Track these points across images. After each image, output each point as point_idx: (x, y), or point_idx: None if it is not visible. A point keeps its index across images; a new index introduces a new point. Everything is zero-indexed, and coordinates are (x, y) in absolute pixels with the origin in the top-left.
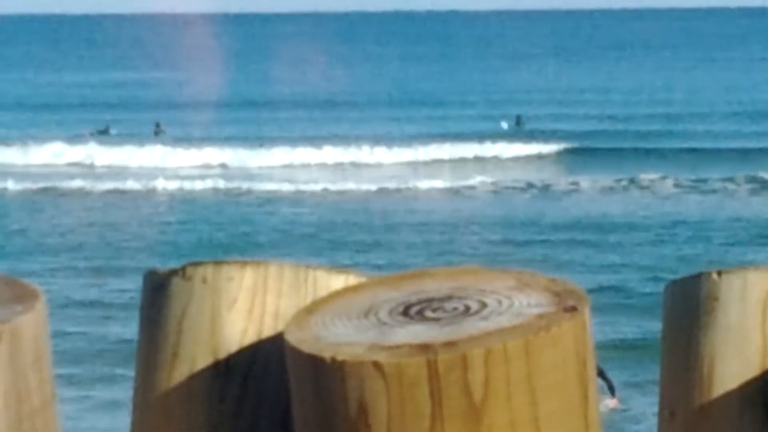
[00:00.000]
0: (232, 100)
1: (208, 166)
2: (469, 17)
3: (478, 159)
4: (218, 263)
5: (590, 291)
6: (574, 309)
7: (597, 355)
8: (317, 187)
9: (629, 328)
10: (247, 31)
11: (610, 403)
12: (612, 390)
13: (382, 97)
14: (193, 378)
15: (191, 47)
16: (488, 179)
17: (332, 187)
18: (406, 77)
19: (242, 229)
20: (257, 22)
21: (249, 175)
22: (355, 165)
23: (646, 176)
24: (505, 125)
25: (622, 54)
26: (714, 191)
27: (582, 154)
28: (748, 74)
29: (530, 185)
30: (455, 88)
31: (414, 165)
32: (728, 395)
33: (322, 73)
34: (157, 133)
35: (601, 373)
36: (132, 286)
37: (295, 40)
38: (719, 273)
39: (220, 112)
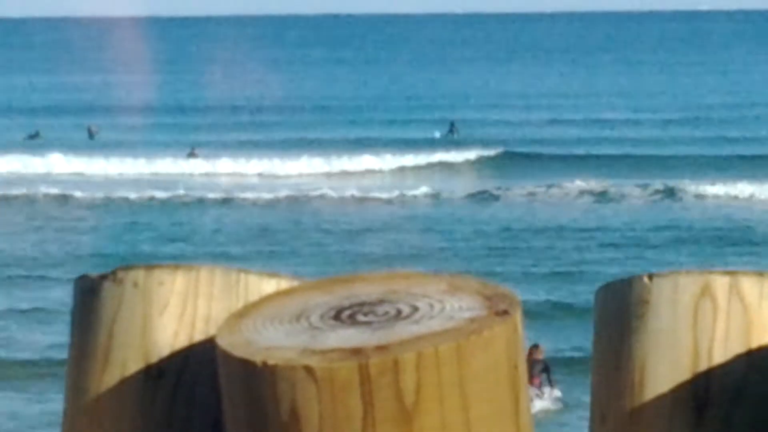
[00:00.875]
0: (156, 104)
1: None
2: (399, 21)
3: (408, 167)
4: (150, 267)
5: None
6: (505, 313)
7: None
8: (244, 195)
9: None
10: (174, 35)
11: (554, 392)
12: (550, 382)
13: (309, 104)
14: (124, 382)
15: (119, 51)
16: (417, 187)
17: (267, 195)
18: (336, 82)
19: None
20: (186, 25)
21: (174, 182)
22: (272, 175)
23: (571, 183)
24: (437, 134)
25: (554, 58)
26: (637, 197)
27: (512, 160)
28: (685, 78)
29: (457, 193)
30: (386, 93)
31: (343, 174)
32: (659, 398)
33: (251, 78)
34: (91, 137)
35: (546, 368)
36: None
37: (222, 44)
38: (650, 276)
39: (148, 116)
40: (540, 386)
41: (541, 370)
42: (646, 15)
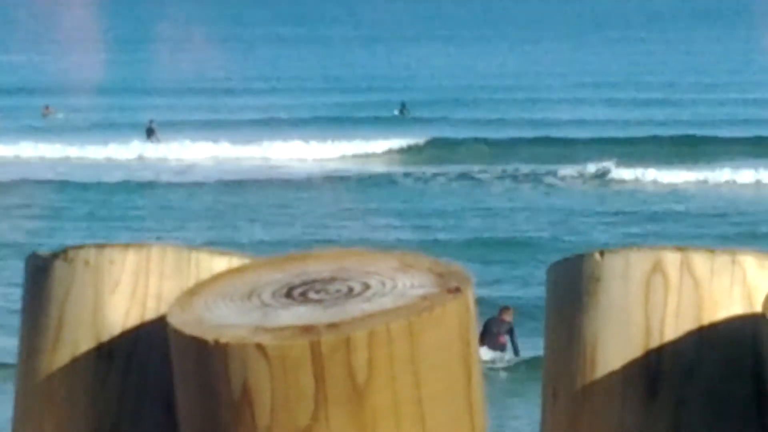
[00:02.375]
0: (107, 85)
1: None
2: None
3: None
4: (100, 246)
5: None
6: (457, 290)
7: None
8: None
9: None
10: (120, 12)
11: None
12: (517, 352)
13: (258, 83)
14: (76, 361)
15: (66, 29)
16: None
17: (228, 176)
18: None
19: None
20: (131, 3)
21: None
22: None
23: (500, 167)
24: (396, 112)
25: (496, 35)
26: (561, 180)
27: (452, 144)
28: (631, 56)
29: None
30: (334, 72)
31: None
32: (611, 375)
33: (201, 56)
34: (45, 116)
35: (511, 330)
36: None
37: (167, 22)
38: (601, 253)
39: (99, 96)
40: (504, 346)
41: (507, 330)
42: None
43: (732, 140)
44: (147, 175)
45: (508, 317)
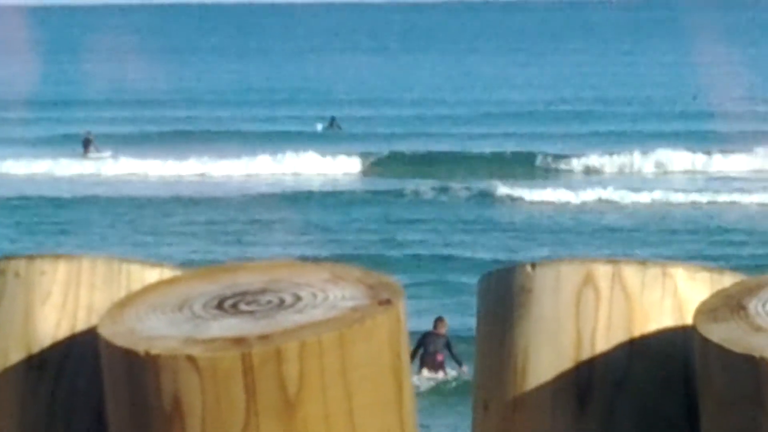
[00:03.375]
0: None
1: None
2: (276, 9)
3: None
4: (31, 257)
5: None
6: (388, 302)
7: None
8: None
9: None
10: (48, 24)
11: (464, 369)
12: (459, 363)
13: (184, 94)
14: (6, 373)
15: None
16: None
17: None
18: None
19: None
20: (65, 14)
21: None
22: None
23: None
24: (319, 127)
25: (427, 49)
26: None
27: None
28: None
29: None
30: (264, 85)
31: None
32: (542, 387)
33: (131, 68)
34: None
35: (448, 343)
36: None
37: (99, 34)
38: (533, 265)
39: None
40: (443, 364)
41: (443, 345)
42: (533, 4)
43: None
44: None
45: (442, 329)
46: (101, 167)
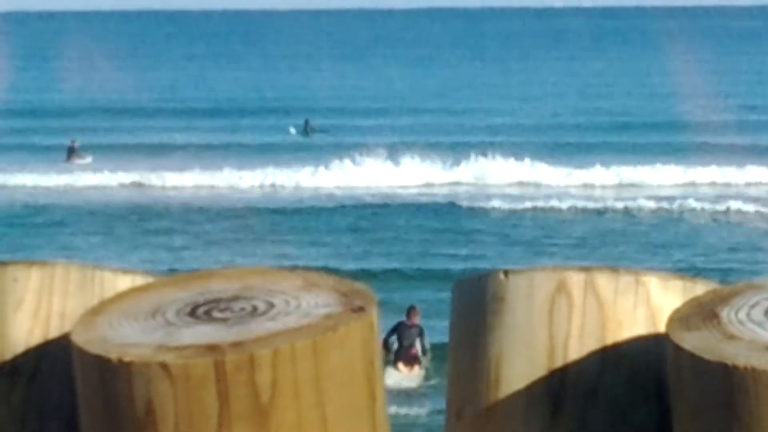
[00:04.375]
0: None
1: None
2: (254, 16)
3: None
4: (3, 264)
5: None
6: (361, 309)
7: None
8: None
9: None
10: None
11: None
12: (425, 352)
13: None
14: None
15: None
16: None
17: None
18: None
19: None
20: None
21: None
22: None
23: None
24: (293, 130)
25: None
26: None
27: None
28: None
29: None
30: (238, 93)
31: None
32: (515, 395)
33: (107, 76)
34: None
35: (422, 332)
36: None
37: (74, 40)
38: (506, 273)
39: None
40: (417, 356)
41: (417, 335)
42: (502, 11)
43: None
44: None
45: (416, 319)
46: (81, 176)
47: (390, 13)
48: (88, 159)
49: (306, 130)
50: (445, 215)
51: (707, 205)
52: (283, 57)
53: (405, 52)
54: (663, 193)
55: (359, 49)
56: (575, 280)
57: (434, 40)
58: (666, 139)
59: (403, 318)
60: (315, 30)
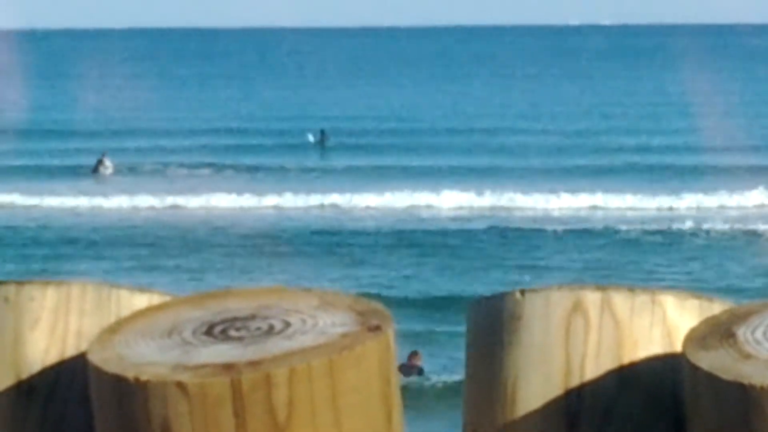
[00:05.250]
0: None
1: None
2: (275, 34)
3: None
4: (20, 283)
5: None
6: (378, 328)
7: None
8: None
9: None
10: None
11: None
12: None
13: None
14: None
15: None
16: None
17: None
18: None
19: None
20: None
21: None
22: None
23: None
24: (311, 138)
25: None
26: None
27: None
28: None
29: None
30: (253, 106)
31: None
32: (531, 415)
33: (126, 95)
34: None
35: (421, 372)
36: None
37: (91, 58)
38: (522, 292)
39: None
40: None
41: (417, 373)
42: (517, 29)
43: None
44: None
45: (417, 361)
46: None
47: (407, 31)
48: (110, 169)
49: (322, 140)
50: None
51: None
52: (312, 75)
53: (421, 71)
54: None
55: (386, 68)
56: (591, 299)
57: (451, 59)
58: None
59: (404, 362)
60: (336, 47)
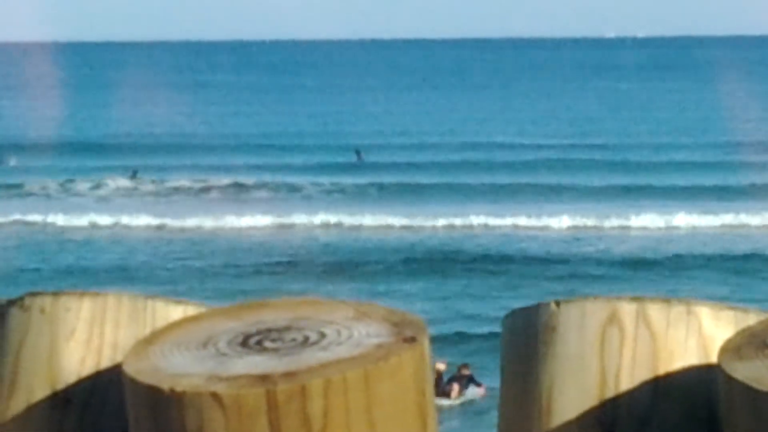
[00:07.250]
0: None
1: None
2: (306, 46)
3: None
4: (56, 294)
5: None
6: (413, 339)
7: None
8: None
9: None
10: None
11: (479, 391)
12: (476, 382)
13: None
14: (31, 409)
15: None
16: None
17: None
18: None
19: None
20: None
21: None
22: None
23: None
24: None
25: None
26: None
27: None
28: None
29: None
30: (289, 121)
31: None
32: (566, 425)
33: (138, 108)
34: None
35: (472, 379)
36: None
37: (116, 70)
38: (557, 303)
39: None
40: (460, 390)
41: (467, 381)
42: (557, 42)
43: None
44: None
45: (466, 371)
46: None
47: (441, 43)
48: (136, 180)
49: (359, 158)
50: None
51: None
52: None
53: (457, 83)
54: None
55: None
56: (627, 310)
57: (484, 71)
58: None
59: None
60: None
